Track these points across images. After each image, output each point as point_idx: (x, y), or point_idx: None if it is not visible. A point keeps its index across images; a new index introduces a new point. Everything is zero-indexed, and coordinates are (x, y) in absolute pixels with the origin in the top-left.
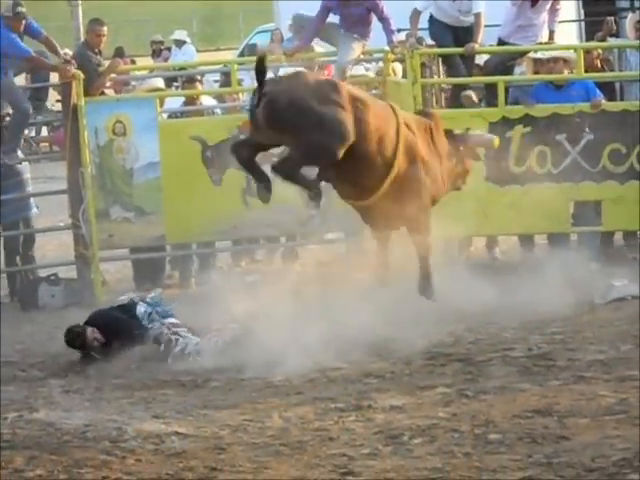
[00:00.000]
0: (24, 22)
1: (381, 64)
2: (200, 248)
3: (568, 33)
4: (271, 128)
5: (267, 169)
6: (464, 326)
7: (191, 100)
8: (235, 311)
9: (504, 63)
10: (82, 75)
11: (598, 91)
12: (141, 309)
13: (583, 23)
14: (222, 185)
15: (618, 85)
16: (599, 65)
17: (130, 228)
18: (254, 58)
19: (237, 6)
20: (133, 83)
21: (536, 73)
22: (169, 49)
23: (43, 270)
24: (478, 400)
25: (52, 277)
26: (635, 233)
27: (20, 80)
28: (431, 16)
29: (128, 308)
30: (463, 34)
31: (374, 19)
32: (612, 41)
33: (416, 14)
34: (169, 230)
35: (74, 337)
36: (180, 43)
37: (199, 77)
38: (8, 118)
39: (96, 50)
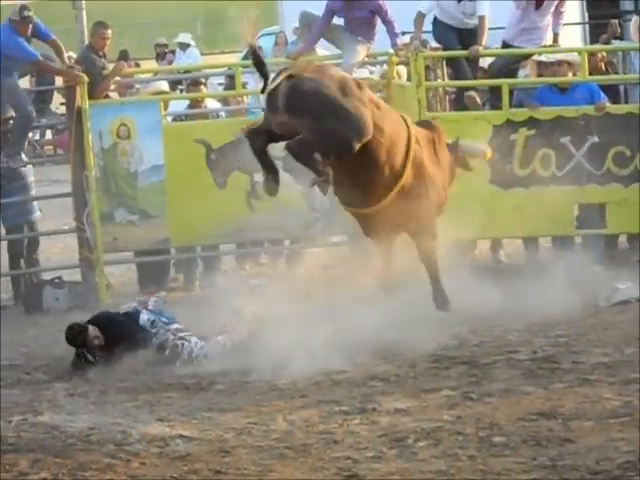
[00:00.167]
0: (31, 26)
1: (385, 67)
2: (204, 251)
3: (572, 36)
4: (291, 112)
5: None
6: (468, 329)
7: (195, 103)
8: (239, 314)
9: (508, 66)
10: (86, 78)
11: (602, 94)
12: (144, 317)
13: (587, 26)
14: (226, 188)
15: (622, 88)
16: (603, 68)
17: (134, 231)
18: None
19: (241, 8)
20: (137, 86)
21: (540, 76)
22: (173, 52)
23: (47, 273)
24: (483, 403)
25: (56, 280)
26: (639, 236)
27: (24, 83)
28: (435, 18)
29: (132, 316)
30: (467, 36)
31: (378, 22)
32: (616, 44)
33: (420, 17)
34: (173, 233)
35: (75, 334)
36: (184, 46)
37: (203, 80)
38: (12, 121)
39: (100, 53)
